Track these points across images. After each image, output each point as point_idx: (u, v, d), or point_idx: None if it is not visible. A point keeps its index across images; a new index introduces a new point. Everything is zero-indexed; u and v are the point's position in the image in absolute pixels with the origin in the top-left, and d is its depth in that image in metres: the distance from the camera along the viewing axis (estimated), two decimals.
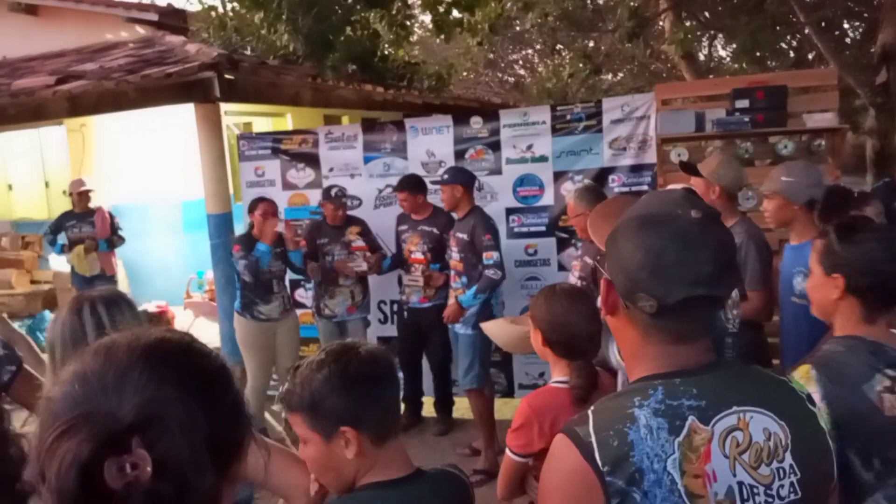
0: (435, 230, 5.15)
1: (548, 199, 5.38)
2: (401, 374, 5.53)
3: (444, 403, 5.54)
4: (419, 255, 5.18)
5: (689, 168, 3.49)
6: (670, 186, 4.40)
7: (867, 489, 1.60)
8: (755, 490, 1.10)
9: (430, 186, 5.31)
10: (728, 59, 16.89)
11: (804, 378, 1.63)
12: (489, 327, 4.04)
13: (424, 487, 1.41)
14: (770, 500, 1.11)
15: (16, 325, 4.76)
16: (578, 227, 4.28)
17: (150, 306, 8.70)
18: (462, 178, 4.90)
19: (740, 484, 1.10)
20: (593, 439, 1.09)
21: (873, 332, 1.70)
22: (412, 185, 5.14)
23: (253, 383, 5.16)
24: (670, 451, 1.08)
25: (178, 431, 0.72)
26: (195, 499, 0.72)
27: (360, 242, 5.32)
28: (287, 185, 6.03)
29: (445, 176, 4.89)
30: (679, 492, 1.06)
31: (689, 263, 1.09)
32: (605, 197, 4.36)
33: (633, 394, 1.13)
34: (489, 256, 4.71)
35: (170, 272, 9.19)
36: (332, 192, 5.29)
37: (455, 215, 4.95)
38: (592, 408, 1.15)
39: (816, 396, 1.57)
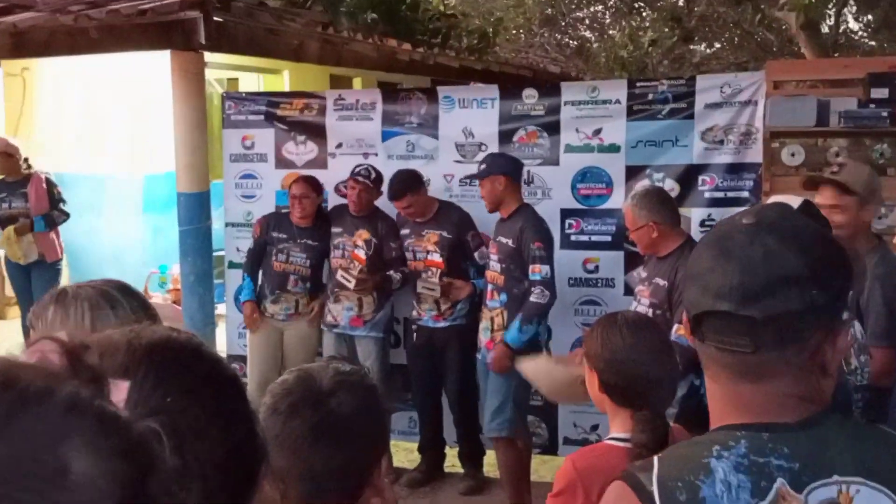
0: (445, 233, 5.26)
1: (616, 200, 5.34)
2: (414, 415, 5.74)
3: (471, 454, 5.55)
4: (436, 258, 5.26)
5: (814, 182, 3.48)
6: (776, 197, 4.33)
7: None
8: None
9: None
10: (862, 33, 16.71)
11: None
12: (528, 368, 4.05)
13: None
14: None
15: None
16: (641, 242, 4.34)
17: None
18: (505, 167, 4.95)
19: None
20: (655, 489, 1.14)
21: None
22: (409, 183, 5.26)
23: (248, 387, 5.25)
24: None
25: (185, 450, 0.75)
26: None
27: (360, 251, 5.45)
28: (282, 162, 6.06)
29: (483, 167, 4.92)
30: None
31: (716, 272, 1.17)
32: (673, 204, 4.46)
33: (712, 442, 1.17)
34: (536, 270, 4.73)
35: (124, 263, 9.12)
36: (358, 170, 5.47)
37: (500, 214, 5.00)
38: (660, 454, 1.22)
39: None
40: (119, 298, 1.83)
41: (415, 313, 5.43)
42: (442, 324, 5.29)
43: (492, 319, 4.92)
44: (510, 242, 4.83)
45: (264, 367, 5.56)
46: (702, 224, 5.28)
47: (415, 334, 5.45)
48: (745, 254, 1.16)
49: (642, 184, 5.07)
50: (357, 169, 5.49)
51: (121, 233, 9.40)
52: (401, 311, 5.77)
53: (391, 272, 5.47)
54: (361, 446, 1.51)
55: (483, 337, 4.99)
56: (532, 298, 4.73)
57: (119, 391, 0.68)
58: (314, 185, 5.66)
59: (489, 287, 4.98)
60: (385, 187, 5.44)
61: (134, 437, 0.60)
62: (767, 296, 1.14)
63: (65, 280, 8.46)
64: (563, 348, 5.05)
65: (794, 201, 4.02)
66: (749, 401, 1.18)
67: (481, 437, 5.45)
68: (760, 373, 1.17)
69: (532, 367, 4.05)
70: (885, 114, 4.79)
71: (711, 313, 1.17)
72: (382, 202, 5.58)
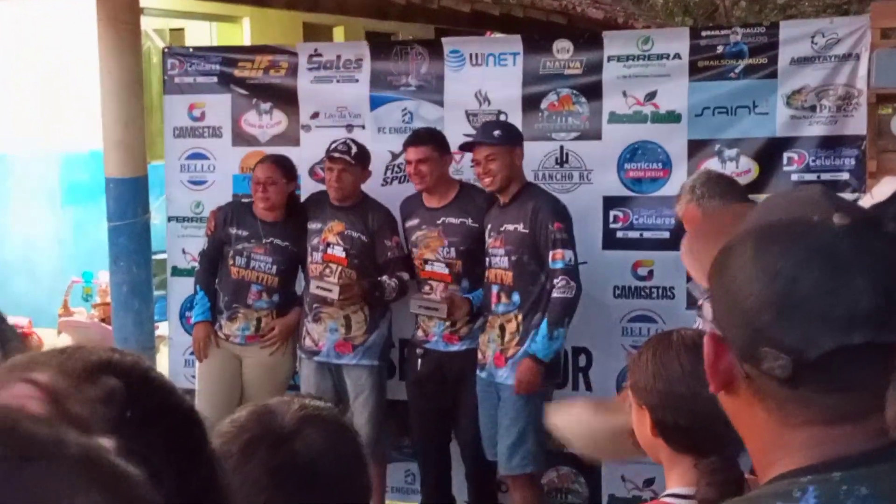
0: (469, 221, 5.11)
1: (676, 184, 5.05)
2: (413, 467, 5.66)
3: None
4: (441, 268, 5.14)
5: None
6: (888, 180, 4.43)
7: None
8: None
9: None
10: None
11: None
12: (560, 421, 3.84)
13: None
14: None
15: None
16: None
17: None
18: (520, 137, 4.98)
19: None
20: None
21: None
22: (437, 138, 5.11)
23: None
24: None
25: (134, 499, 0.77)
26: None
27: (338, 250, 5.24)
28: (241, 138, 5.90)
29: (497, 132, 4.85)
30: None
31: (837, 294, 1.12)
32: (742, 190, 4.45)
33: (770, 497, 1.17)
34: (558, 257, 4.69)
35: (37, 269, 9.18)
36: (334, 146, 5.24)
37: (500, 199, 4.92)
38: None
39: None
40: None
41: (420, 333, 5.22)
42: (456, 346, 5.12)
43: (501, 327, 4.84)
44: (520, 227, 4.80)
45: (217, 406, 5.17)
46: None
47: (419, 360, 5.22)
48: (862, 264, 1.11)
49: (700, 173, 4.81)
50: (333, 145, 5.28)
51: (32, 230, 9.26)
52: (397, 329, 5.60)
53: (384, 278, 5.23)
54: (334, 498, 1.55)
55: (488, 350, 4.90)
56: (556, 294, 4.69)
57: None
58: (284, 168, 5.39)
59: (493, 289, 4.90)
60: (388, 167, 5.46)
61: (140, 493, 0.66)
62: None
63: None
64: (608, 379, 5.10)
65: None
66: (832, 441, 1.13)
67: (500, 494, 5.40)
68: (863, 410, 1.12)
69: (565, 420, 3.77)
70: None
71: (838, 351, 1.10)
72: (375, 191, 5.48)
